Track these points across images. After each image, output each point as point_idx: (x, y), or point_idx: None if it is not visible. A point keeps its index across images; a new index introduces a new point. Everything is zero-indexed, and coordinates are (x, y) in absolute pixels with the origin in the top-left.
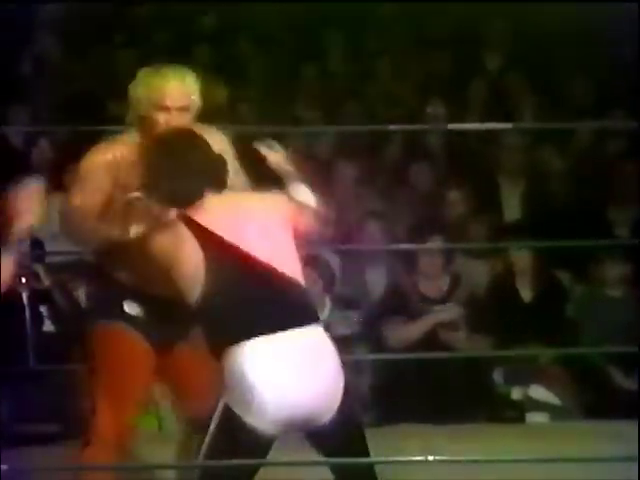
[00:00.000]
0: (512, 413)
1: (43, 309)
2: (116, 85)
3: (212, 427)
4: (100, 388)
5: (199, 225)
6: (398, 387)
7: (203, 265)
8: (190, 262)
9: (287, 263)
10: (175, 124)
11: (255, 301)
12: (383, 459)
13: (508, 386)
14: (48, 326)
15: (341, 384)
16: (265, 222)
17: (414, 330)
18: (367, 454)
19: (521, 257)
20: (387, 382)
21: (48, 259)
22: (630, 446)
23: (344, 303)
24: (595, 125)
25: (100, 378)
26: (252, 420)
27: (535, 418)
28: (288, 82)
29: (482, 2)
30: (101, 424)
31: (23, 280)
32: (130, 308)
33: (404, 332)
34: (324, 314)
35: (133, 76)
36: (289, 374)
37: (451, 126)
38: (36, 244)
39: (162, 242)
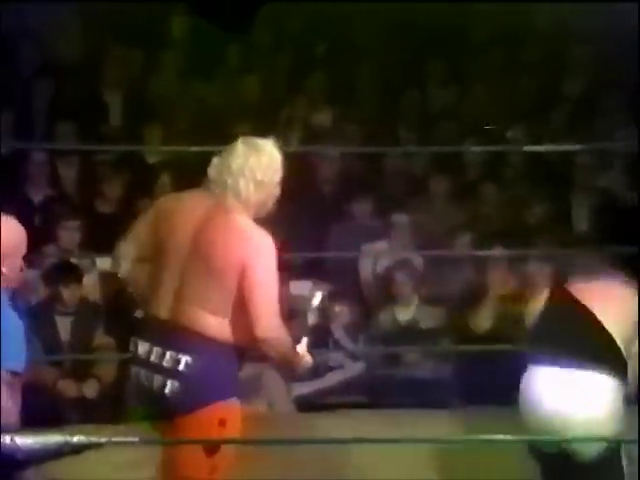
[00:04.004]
0: None
1: None
2: (241, 109)
3: None
4: None
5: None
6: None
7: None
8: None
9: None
10: None
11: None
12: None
13: None
14: None
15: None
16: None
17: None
18: None
19: None
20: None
21: None
22: None
23: (430, 301)
24: None
25: None
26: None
27: None
28: (391, 105)
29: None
30: None
31: None
32: None
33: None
34: (411, 310)
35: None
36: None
37: (526, 148)
38: None
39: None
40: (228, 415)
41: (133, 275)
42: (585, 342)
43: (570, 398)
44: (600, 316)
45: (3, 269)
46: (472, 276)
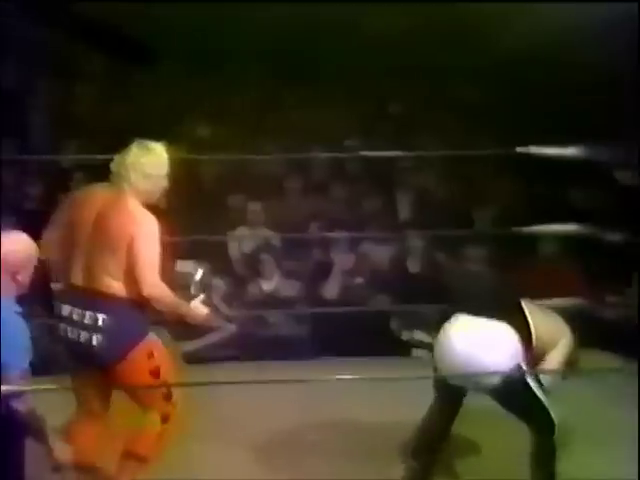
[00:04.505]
0: (402, 350)
1: None
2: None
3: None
4: None
5: None
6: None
7: None
8: None
9: None
10: None
11: None
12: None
13: (400, 330)
14: None
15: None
16: None
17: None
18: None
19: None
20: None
21: None
22: None
23: (290, 275)
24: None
25: None
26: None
27: (417, 353)
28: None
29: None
30: None
31: None
32: None
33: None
34: (273, 282)
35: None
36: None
37: (362, 153)
38: None
39: None
40: (153, 348)
41: (53, 254)
42: (501, 312)
43: (478, 339)
44: (527, 310)
45: (19, 278)
46: (321, 255)
